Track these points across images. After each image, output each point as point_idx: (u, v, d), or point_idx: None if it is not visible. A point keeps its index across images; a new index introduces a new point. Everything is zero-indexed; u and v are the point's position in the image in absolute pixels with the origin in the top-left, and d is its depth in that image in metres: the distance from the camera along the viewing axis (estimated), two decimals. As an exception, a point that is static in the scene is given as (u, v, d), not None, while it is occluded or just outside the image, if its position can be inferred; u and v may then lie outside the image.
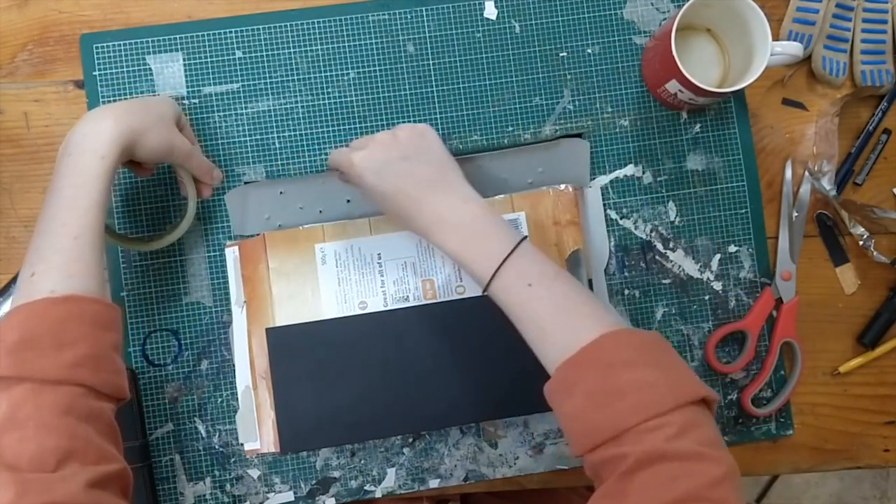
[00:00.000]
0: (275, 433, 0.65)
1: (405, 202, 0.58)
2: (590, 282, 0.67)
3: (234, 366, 0.68)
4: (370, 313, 0.66)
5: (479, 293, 0.65)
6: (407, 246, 0.67)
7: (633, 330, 0.53)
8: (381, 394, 0.64)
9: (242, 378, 0.67)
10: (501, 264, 0.55)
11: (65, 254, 0.54)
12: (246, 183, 0.69)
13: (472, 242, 0.57)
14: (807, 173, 0.72)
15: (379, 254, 0.67)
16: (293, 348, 0.65)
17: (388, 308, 0.66)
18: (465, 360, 0.65)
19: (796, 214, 0.71)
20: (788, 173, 0.72)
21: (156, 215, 0.70)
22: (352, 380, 0.65)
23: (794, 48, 0.65)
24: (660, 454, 0.46)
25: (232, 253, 0.68)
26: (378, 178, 0.59)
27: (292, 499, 0.68)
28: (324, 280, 0.66)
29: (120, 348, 0.56)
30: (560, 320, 0.54)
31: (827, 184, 0.71)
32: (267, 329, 0.65)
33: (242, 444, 0.67)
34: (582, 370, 0.51)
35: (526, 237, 0.57)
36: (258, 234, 0.67)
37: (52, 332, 0.51)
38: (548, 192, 0.67)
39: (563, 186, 0.67)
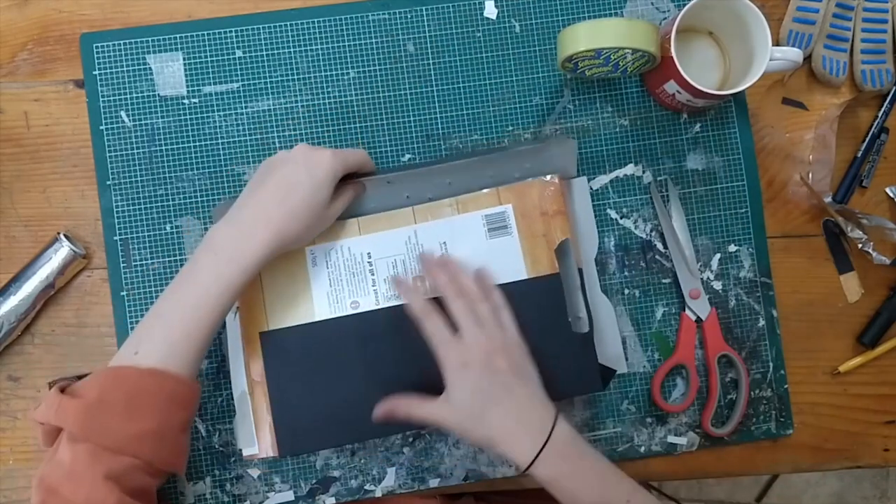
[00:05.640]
0: (273, 437, 0.65)
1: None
2: (580, 271, 0.67)
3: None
4: (363, 312, 0.66)
5: None
6: (396, 244, 0.67)
7: None
8: (378, 393, 0.64)
9: (238, 383, 0.66)
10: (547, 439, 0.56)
11: (169, 336, 0.56)
12: (232, 197, 0.68)
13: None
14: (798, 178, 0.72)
15: (369, 253, 0.66)
16: (288, 352, 0.65)
17: (381, 306, 0.66)
18: None
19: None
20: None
21: (156, 214, 0.70)
22: (348, 380, 0.65)
23: (793, 54, 0.65)
24: None
25: None
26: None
27: (292, 498, 0.68)
28: (315, 282, 0.66)
29: (189, 426, 0.59)
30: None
31: (823, 191, 0.71)
32: (261, 333, 0.65)
33: (241, 450, 0.67)
34: None
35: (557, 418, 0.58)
36: None
37: (126, 401, 0.54)
38: (534, 184, 0.67)
39: (548, 177, 0.67)
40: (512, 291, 0.65)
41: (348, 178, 0.64)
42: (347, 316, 0.66)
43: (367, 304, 0.66)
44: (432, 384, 0.64)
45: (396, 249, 0.67)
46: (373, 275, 0.66)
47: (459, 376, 0.59)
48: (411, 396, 0.61)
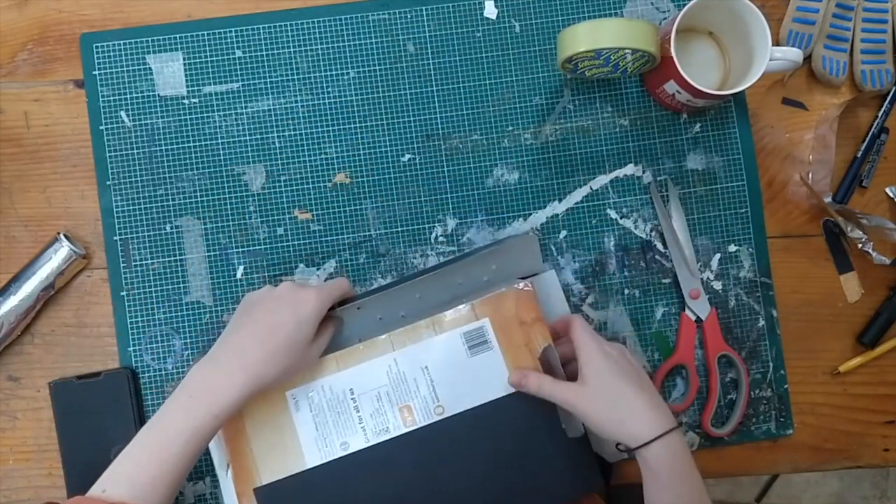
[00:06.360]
0: None
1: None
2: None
3: None
4: (353, 453, 0.63)
5: (459, 410, 0.63)
6: (377, 375, 0.64)
7: None
8: None
9: None
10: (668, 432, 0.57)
11: (136, 479, 0.54)
12: (202, 352, 0.66)
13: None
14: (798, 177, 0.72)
15: (351, 389, 0.64)
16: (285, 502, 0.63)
17: (370, 444, 0.63)
18: (456, 479, 0.63)
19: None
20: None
21: (156, 214, 0.70)
22: None
23: (793, 54, 0.64)
24: None
25: None
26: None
27: (292, 498, 0.69)
28: (300, 427, 0.63)
29: None
30: None
31: (823, 191, 0.71)
32: (255, 490, 0.62)
33: None
34: None
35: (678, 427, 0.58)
36: None
37: None
38: (508, 294, 0.64)
39: (521, 285, 0.64)
40: (501, 407, 0.64)
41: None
42: (339, 459, 0.63)
43: (357, 443, 0.63)
44: None
45: (378, 381, 0.64)
46: (358, 412, 0.64)
47: (601, 359, 0.60)
48: (542, 375, 0.62)
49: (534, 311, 0.64)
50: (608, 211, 0.71)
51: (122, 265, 0.69)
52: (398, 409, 0.64)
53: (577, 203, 0.71)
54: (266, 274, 0.70)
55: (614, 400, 0.59)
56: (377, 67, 0.71)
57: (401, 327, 0.65)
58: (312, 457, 0.63)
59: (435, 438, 0.63)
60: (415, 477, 0.63)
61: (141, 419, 0.68)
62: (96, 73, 0.70)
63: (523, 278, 0.67)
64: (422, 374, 0.64)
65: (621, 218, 0.71)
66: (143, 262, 0.69)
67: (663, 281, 0.71)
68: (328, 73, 0.71)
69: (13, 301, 0.67)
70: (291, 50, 0.71)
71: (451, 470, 0.63)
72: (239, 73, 0.71)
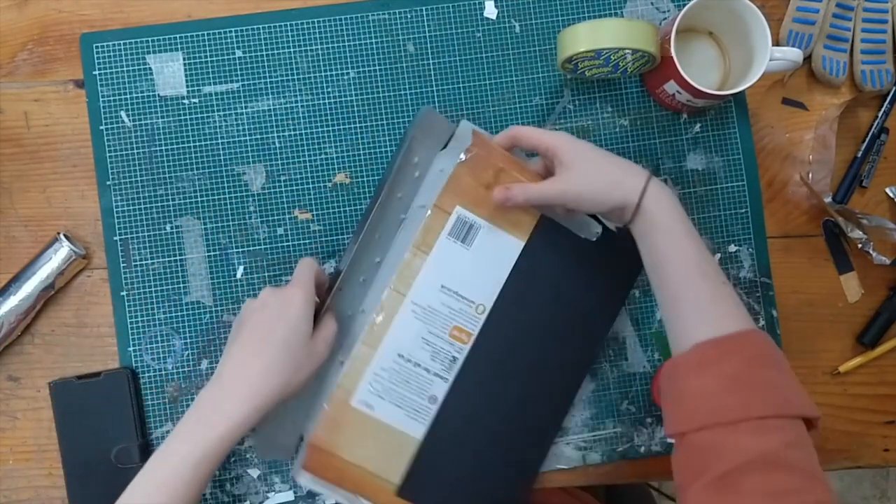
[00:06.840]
0: None
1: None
2: None
3: None
4: (446, 399, 0.64)
5: (495, 296, 0.65)
6: (411, 326, 0.64)
7: (767, 334, 0.56)
8: (500, 445, 0.65)
9: None
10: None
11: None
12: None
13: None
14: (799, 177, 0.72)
15: (399, 354, 0.64)
16: (428, 486, 0.64)
17: (452, 381, 0.64)
18: (539, 347, 0.66)
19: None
20: None
21: (156, 214, 0.70)
22: (482, 460, 0.64)
23: (793, 54, 0.65)
24: (778, 461, 0.49)
25: (306, 477, 0.64)
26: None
27: (292, 498, 0.68)
28: (387, 418, 0.64)
29: None
30: (711, 302, 0.57)
31: (823, 191, 0.71)
32: (397, 495, 0.63)
33: None
34: (725, 354, 0.54)
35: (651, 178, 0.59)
36: (307, 446, 0.64)
37: None
38: (458, 171, 0.64)
39: (463, 156, 0.64)
40: (524, 266, 0.65)
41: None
42: (438, 413, 0.64)
43: (440, 390, 0.64)
44: (538, 391, 0.65)
45: (415, 329, 0.64)
46: (419, 365, 0.64)
47: (571, 140, 0.61)
48: (524, 183, 0.63)
49: (489, 168, 0.64)
50: (608, 211, 0.71)
51: (122, 265, 0.69)
52: (449, 336, 0.65)
53: (577, 203, 0.71)
54: (266, 274, 0.70)
55: (600, 166, 0.60)
56: (377, 67, 0.71)
57: (385, 272, 0.65)
58: (416, 430, 0.64)
59: (496, 333, 0.65)
60: (509, 375, 0.65)
61: (141, 419, 0.68)
62: (96, 73, 0.70)
63: (444, 147, 0.67)
64: (443, 294, 0.65)
65: (621, 218, 0.71)
66: (143, 262, 0.69)
67: (663, 281, 0.71)
68: (328, 73, 0.71)
69: (13, 301, 0.67)
70: (291, 50, 0.71)
71: (529, 346, 0.65)
72: (239, 73, 0.71)
